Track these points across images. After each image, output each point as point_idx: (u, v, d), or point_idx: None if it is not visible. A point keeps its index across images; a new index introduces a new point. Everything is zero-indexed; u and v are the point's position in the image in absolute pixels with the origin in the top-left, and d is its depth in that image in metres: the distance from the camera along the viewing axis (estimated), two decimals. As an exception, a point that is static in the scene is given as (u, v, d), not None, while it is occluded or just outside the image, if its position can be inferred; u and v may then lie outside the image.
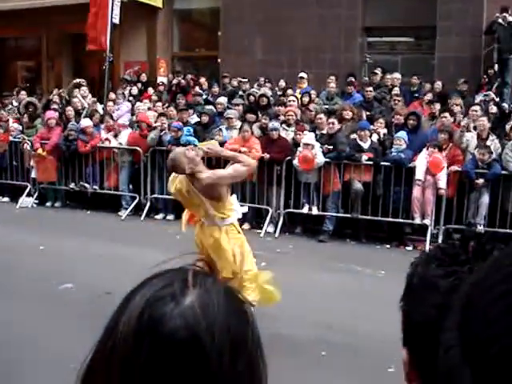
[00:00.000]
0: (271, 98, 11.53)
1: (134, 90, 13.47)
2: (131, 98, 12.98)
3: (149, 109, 11.80)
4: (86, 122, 10.83)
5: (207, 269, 0.89)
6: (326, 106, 11.19)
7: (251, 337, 0.83)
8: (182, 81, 13.71)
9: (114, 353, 0.79)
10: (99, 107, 11.93)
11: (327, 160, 9.12)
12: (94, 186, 10.79)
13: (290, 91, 11.81)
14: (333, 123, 9.32)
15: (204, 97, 12.15)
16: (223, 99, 11.76)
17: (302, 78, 12.54)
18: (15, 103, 12.94)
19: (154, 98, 12.71)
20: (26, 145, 11.18)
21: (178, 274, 0.85)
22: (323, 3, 13.43)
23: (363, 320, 5.80)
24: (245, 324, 0.84)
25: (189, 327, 0.77)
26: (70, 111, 11.47)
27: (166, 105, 11.76)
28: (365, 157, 8.98)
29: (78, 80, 13.67)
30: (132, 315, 0.80)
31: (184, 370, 0.76)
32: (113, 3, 11.64)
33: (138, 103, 12.18)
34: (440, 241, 8.42)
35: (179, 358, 0.76)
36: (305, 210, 9.33)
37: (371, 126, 9.58)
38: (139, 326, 0.78)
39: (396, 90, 11.31)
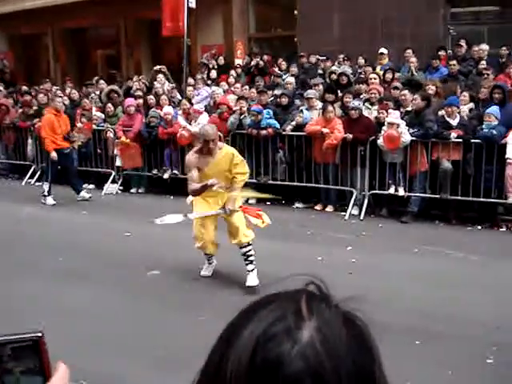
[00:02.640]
0: (351, 76, 11.23)
1: (213, 74, 13.45)
2: (210, 82, 12.96)
3: (225, 91, 11.74)
4: (166, 109, 10.89)
5: None
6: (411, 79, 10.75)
7: (378, 374, 0.73)
8: (260, 62, 13.58)
9: None
10: (177, 93, 11.98)
11: (413, 139, 8.78)
12: (175, 171, 10.87)
13: (369, 68, 11.48)
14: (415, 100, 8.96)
15: (284, 77, 11.92)
16: (291, 79, 11.55)
17: (382, 53, 12.14)
18: (97, 92, 13.20)
19: (231, 80, 12.64)
20: (109, 133, 11.39)
21: (289, 302, 0.74)
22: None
23: (457, 307, 5.57)
24: (371, 360, 0.73)
25: (312, 369, 0.67)
26: (151, 100, 11.57)
27: (246, 87, 11.65)
28: (454, 134, 8.57)
29: (158, 67, 13.82)
30: (242, 357, 0.70)
31: None
32: (189, -13, 11.64)
33: (214, 87, 12.14)
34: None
35: None
36: (391, 190, 9.04)
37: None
38: (252, 369, 0.69)
39: (483, 63, 10.74)
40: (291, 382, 0.67)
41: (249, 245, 6.12)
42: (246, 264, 6.13)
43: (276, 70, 12.62)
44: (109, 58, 18.85)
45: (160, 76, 12.84)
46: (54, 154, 10.49)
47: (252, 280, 6.04)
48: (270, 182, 10.06)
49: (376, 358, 0.74)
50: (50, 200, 10.48)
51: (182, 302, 5.85)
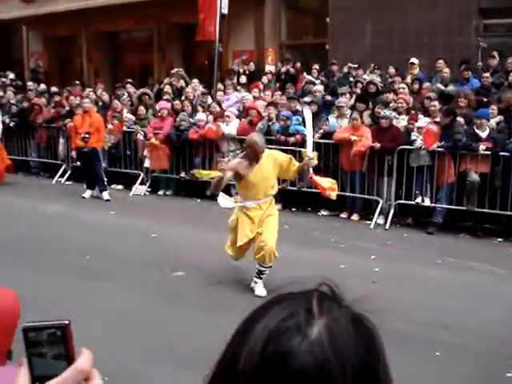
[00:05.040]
0: (380, 85, 11.22)
1: (243, 79, 13.54)
2: (239, 87, 13.05)
3: (255, 98, 11.81)
4: (200, 116, 11.01)
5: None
6: (444, 90, 10.68)
7: (383, 373, 0.76)
8: (291, 69, 13.64)
9: None
10: (208, 98, 12.09)
11: (441, 150, 8.76)
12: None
13: (399, 78, 11.46)
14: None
15: (317, 85, 11.89)
16: (320, 87, 11.58)
17: (412, 63, 12.10)
18: (126, 94, 13.39)
19: (261, 86, 12.72)
20: (139, 135, 11.56)
21: (301, 300, 0.79)
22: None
23: (479, 320, 5.54)
24: (376, 359, 0.77)
25: (318, 364, 0.71)
26: (177, 105, 11.73)
27: (277, 93, 11.72)
28: (482, 146, 8.53)
29: (175, 69, 14.04)
30: (254, 348, 0.74)
31: None
32: (222, -6, 11.74)
33: (244, 93, 12.23)
34: None
35: None
36: (417, 200, 9.01)
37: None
38: (263, 361, 0.73)
39: (514, 75, 10.63)
40: (298, 374, 0.71)
41: (269, 267, 6.14)
42: (257, 277, 6.20)
43: (308, 77, 12.66)
44: (141, 62, 19.07)
45: (195, 81, 12.97)
46: (72, 153, 11.29)
47: (261, 290, 6.12)
48: (290, 187, 10.09)
49: (381, 359, 0.77)
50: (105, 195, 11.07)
51: (205, 304, 5.91)
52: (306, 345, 0.72)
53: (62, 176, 12.97)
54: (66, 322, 1.07)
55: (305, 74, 13.12)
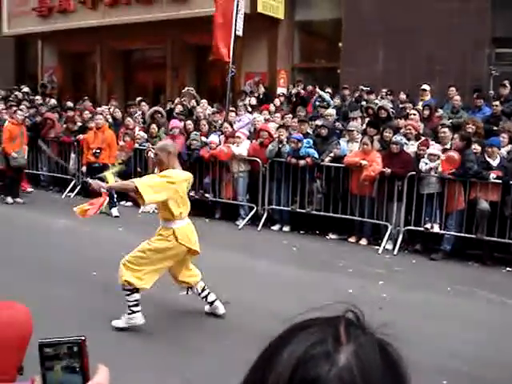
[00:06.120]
0: (391, 111, 11.26)
1: (253, 101, 13.60)
2: (250, 109, 13.13)
3: (267, 120, 11.87)
4: (212, 138, 11.07)
5: None
6: (451, 120, 10.74)
7: None
8: (302, 91, 13.71)
9: None
10: (220, 118, 12.16)
11: (451, 177, 8.76)
12: (207, 195, 11.03)
13: (410, 104, 11.50)
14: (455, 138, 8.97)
15: (329, 109, 11.92)
16: (332, 110, 11.63)
17: (424, 90, 12.16)
18: (139, 112, 13.50)
19: (272, 108, 12.78)
20: (150, 152, 11.61)
21: (328, 327, 0.79)
22: (448, 12, 12.96)
23: (488, 349, 5.49)
24: None
25: None
26: (189, 125, 11.80)
27: (290, 115, 11.77)
28: (493, 175, 8.52)
29: (187, 88, 14.17)
30: (282, 375, 0.74)
31: None
32: (237, 16, 11.83)
33: (256, 114, 12.29)
34: None
35: None
36: (426, 226, 8.98)
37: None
38: None
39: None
40: None
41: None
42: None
43: (321, 92, 12.73)
44: (154, 80, 19.22)
45: (204, 101, 13.07)
46: (82, 169, 11.49)
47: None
48: (299, 210, 10.09)
49: None
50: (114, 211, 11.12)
51: (211, 325, 5.88)
52: (335, 372, 0.72)
53: (71, 191, 13.02)
54: (82, 337, 1.08)
55: (317, 88, 13.16)
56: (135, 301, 5.55)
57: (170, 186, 5.37)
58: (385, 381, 0.74)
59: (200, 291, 6.00)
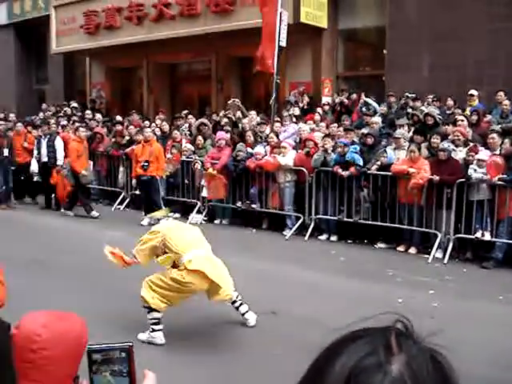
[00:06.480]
0: (438, 117, 11.09)
1: (296, 111, 13.58)
2: (295, 119, 13.13)
3: (312, 130, 11.86)
4: (258, 149, 11.13)
5: None
6: (500, 126, 10.51)
7: None
8: (345, 100, 13.65)
9: None
10: (267, 128, 12.21)
11: (502, 183, 8.57)
12: (253, 205, 11.06)
13: (459, 110, 11.32)
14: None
15: (374, 117, 11.80)
16: (378, 119, 11.54)
17: (471, 95, 11.96)
18: (186, 124, 13.67)
19: (317, 118, 12.75)
20: (197, 164, 11.75)
21: (379, 337, 0.79)
22: (494, 16, 12.71)
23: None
24: None
25: None
26: (234, 135, 11.91)
27: (335, 125, 11.74)
28: (546, 181, 8.31)
29: (232, 99, 14.28)
30: None
31: None
32: (280, 27, 11.88)
33: (301, 124, 12.29)
34: None
35: None
36: (477, 235, 8.81)
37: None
38: None
39: None
40: None
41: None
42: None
43: (366, 99, 12.67)
44: (199, 92, 19.43)
45: (252, 113, 13.15)
46: (132, 181, 11.81)
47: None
48: (346, 219, 10.02)
49: None
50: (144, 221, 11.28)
51: (260, 336, 5.89)
52: (388, 382, 0.73)
53: (121, 203, 13.28)
54: (130, 343, 1.12)
55: (363, 95, 13.09)
56: (155, 319, 5.62)
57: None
58: None
59: (231, 302, 6.05)
